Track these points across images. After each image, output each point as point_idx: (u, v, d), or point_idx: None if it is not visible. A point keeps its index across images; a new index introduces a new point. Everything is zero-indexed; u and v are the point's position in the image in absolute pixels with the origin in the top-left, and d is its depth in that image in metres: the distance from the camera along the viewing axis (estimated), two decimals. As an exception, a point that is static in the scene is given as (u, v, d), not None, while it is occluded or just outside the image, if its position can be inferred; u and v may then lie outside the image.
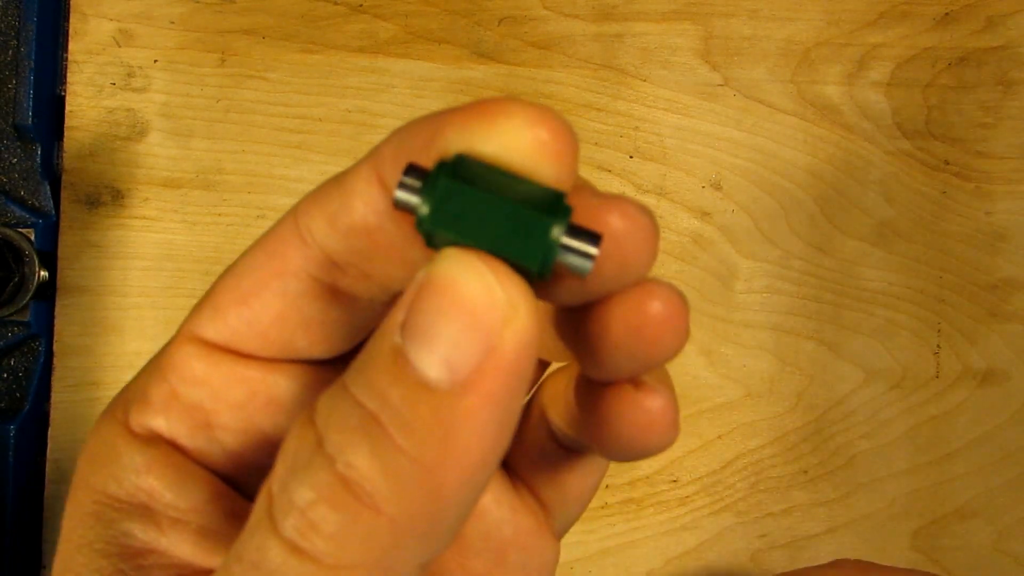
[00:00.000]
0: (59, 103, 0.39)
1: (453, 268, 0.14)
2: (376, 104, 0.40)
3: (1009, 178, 0.40)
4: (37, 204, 0.38)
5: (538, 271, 0.15)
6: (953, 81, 0.40)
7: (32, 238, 0.37)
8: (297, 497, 0.14)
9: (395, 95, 0.40)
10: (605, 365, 0.17)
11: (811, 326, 0.40)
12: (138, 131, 0.39)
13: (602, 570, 0.39)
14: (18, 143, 0.38)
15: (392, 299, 0.18)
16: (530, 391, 0.21)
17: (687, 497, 0.39)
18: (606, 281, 0.16)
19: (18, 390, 0.38)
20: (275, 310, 0.18)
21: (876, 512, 0.39)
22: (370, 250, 0.17)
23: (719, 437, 0.39)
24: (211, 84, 0.39)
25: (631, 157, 0.40)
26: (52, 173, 0.39)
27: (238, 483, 0.19)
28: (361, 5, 0.40)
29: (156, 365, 0.18)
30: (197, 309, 0.18)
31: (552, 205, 0.15)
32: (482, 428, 0.14)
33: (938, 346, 0.40)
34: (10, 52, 0.38)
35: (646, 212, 0.16)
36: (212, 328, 0.18)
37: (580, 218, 0.16)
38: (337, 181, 0.17)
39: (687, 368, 0.39)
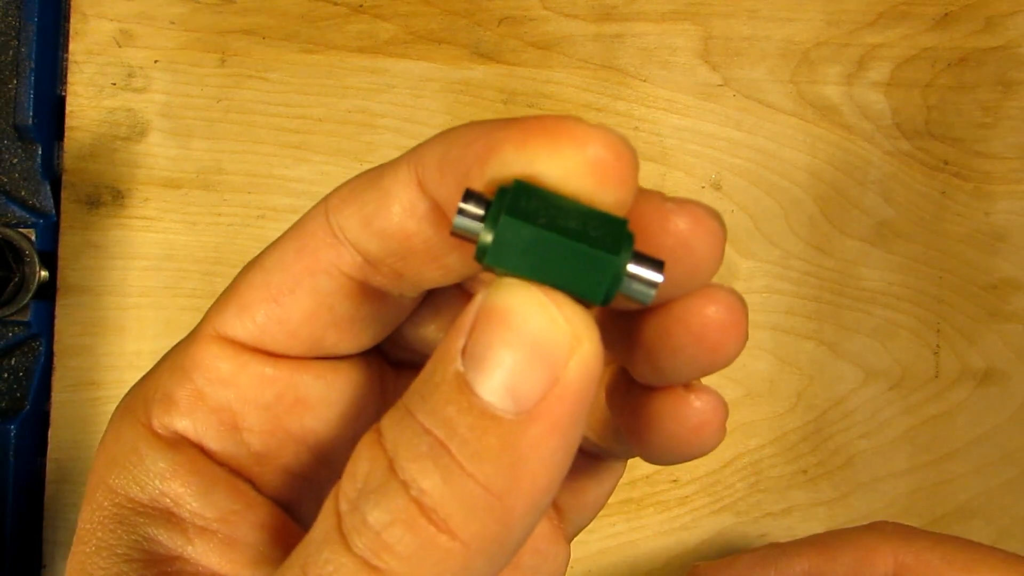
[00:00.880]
0: (59, 103, 0.39)
1: (516, 300, 0.14)
2: (376, 104, 0.40)
3: (1009, 178, 0.40)
4: (37, 204, 0.38)
5: (601, 303, 0.15)
6: (953, 81, 0.40)
7: (32, 238, 0.38)
8: (372, 518, 0.14)
9: (395, 95, 0.40)
10: (663, 369, 0.17)
11: (810, 326, 0.40)
12: (138, 131, 0.39)
13: (602, 570, 0.39)
14: (18, 143, 0.38)
15: (421, 296, 0.18)
16: None
17: (687, 497, 0.39)
18: (673, 288, 0.16)
19: (18, 390, 0.38)
20: (306, 308, 0.18)
21: (876, 512, 0.39)
22: (405, 252, 0.17)
23: (719, 437, 0.39)
24: (211, 84, 0.39)
25: (631, 157, 0.40)
26: (52, 173, 0.39)
27: (261, 484, 0.19)
28: (361, 5, 0.40)
29: (178, 364, 0.18)
30: (221, 305, 0.18)
31: (615, 235, 0.15)
32: (548, 456, 0.14)
33: (937, 346, 0.40)
34: (11, 52, 0.38)
35: (714, 215, 0.16)
36: (239, 326, 0.18)
37: (647, 223, 0.16)
38: (372, 180, 0.17)
39: (687, 368, 0.39)
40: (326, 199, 0.18)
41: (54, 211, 0.39)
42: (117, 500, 0.17)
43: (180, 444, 0.18)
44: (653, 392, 0.18)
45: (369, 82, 0.40)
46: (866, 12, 0.40)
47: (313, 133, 0.39)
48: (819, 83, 0.40)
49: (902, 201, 0.40)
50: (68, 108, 0.39)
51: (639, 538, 0.39)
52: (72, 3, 0.39)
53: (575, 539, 0.40)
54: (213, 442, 0.18)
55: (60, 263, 0.38)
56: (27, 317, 0.37)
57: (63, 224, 0.39)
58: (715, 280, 0.17)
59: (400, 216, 0.17)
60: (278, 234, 0.20)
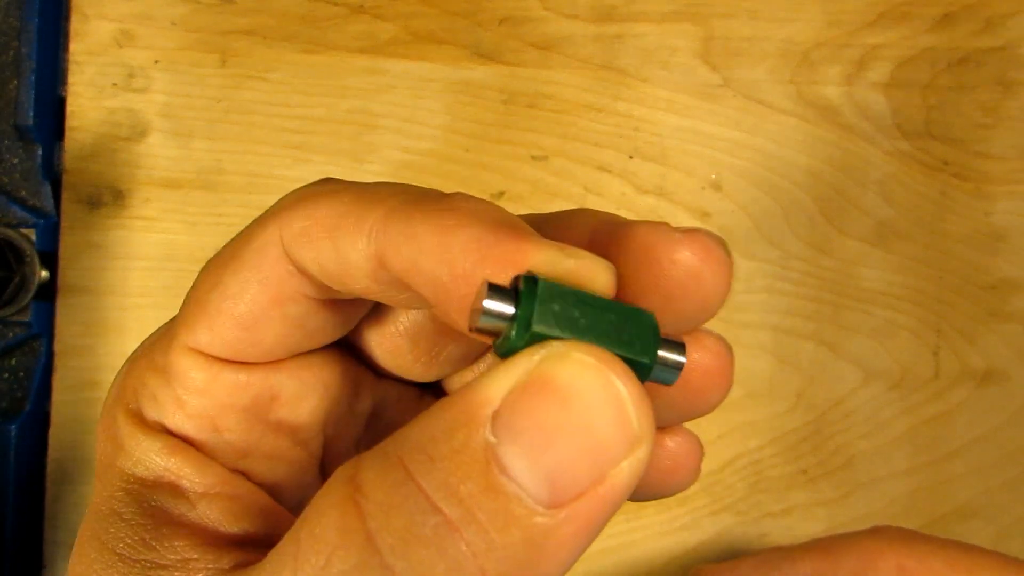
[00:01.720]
0: (60, 104, 0.39)
1: (584, 375, 0.12)
2: (376, 105, 0.40)
3: (1008, 178, 0.40)
4: (38, 204, 0.38)
5: (644, 376, 0.14)
6: (953, 82, 0.40)
7: (33, 238, 0.38)
8: None
9: (395, 95, 0.40)
10: None
11: (810, 326, 0.40)
12: (139, 131, 0.39)
13: (602, 570, 0.39)
14: (19, 143, 0.38)
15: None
16: None
17: (687, 497, 0.39)
18: (683, 324, 0.15)
19: (19, 390, 0.38)
20: (277, 332, 0.18)
21: (876, 512, 0.39)
22: (372, 297, 0.17)
23: (719, 437, 0.40)
24: (212, 85, 0.39)
25: (631, 158, 0.40)
26: (53, 173, 0.39)
27: (245, 474, 0.19)
28: (361, 6, 0.40)
29: (159, 366, 0.18)
30: (189, 319, 0.18)
31: (645, 330, 0.14)
32: (569, 556, 0.13)
33: (937, 346, 0.40)
34: (11, 53, 0.38)
35: (721, 244, 0.15)
36: (210, 343, 0.18)
37: (655, 255, 0.15)
38: (328, 234, 0.16)
39: (687, 368, 0.39)
40: (279, 220, 0.17)
41: (54, 211, 0.39)
42: (125, 478, 0.17)
43: (169, 432, 0.18)
44: None
45: (369, 82, 0.40)
46: (866, 12, 0.40)
47: (313, 133, 0.39)
48: (819, 83, 0.40)
49: (902, 201, 0.40)
50: (69, 108, 0.39)
51: (639, 538, 0.39)
52: (73, 3, 0.39)
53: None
54: (196, 437, 0.18)
55: (60, 263, 0.39)
56: (28, 317, 0.38)
57: (63, 224, 0.39)
58: None
59: (363, 282, 0.16)
60: None
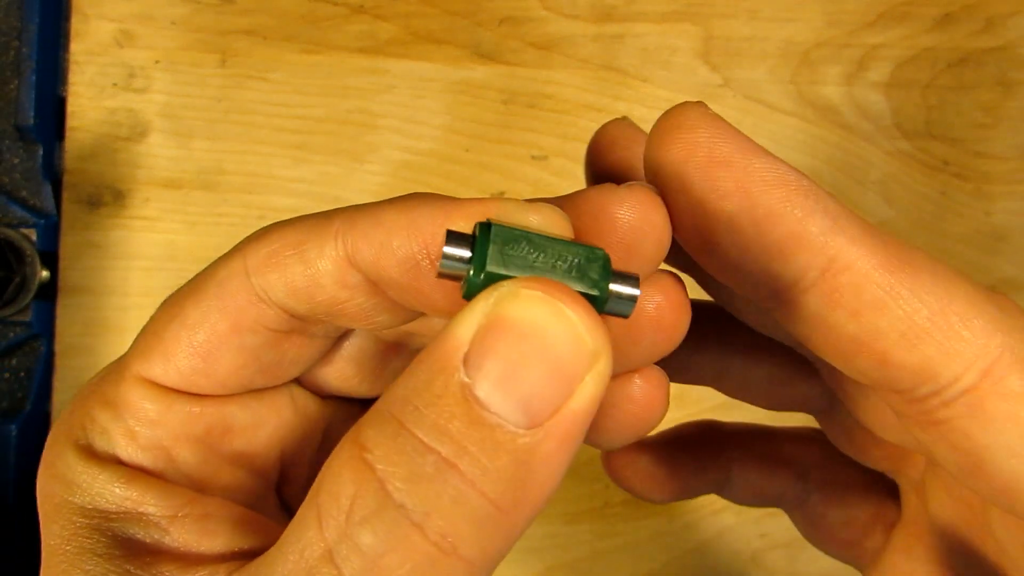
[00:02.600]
0: (60, 104, 0.39)
1: (536, 312, 0.14)
2: (377, 105, 0.40)
3: (1008, 178, 0.40)
4: (38, 204, 0.38)
5: (600, 308, 0.15)
6: (953, 81, 0.40)
7: (33, 238, 0.38)
8: (367, 548, 0.14)
9: (396, 95, 0.40)
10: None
11: (811, 326, 0.40)
12: (139, 131, 0.39)
13: (603, 570, 0.39)
14: (20, 144, 0.38)
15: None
16: None
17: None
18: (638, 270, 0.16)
19: (19, 390, 0.38)
20: (232, 363, 0.18)
21: (876, 512, 0.39)
22: (336, 313, 0.17)
23: (719, 437, 0.40)
24: (212, 85, 0.39)
25: (631, 157, 0.40)
26: (53, 173, 0.39)
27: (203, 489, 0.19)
28: (361, 6, 0.40)
29: (109, 400, 0.18)
30: (145, 349, 0.18)
31: (596, 262, 0.15)
32: (556, 469, 0.14)
33: (938, 346, 0.40)
34: (12, 53, 0.38)
35: (657, 203, 0.16)
36: (163, 373, 0.18)
37: (596, 214, 0.16)
38: (297, 250, 0.17)
39: (687, 368, 0.39)
40: (243, 253, 0.17)
41: (55, 211, 0.39)
42: (85, 513, 0.17)
43: (122, 464, 0.18)
44: None
45: (370, 82, 0.40)
46: (866, 12, 0.40)
47: (314, 133, 0.39)
48: (819, 83, 0.40)
49: (902, 201, 0.40)
50: (69, 108, 0.39)
51: (639, 538, 0.39)
52: (73, 3, 0.39)
53: (576, 539, 0.40)
54: (151, 467, 0.18)
55: (61, 263, 0.39)
56: (28, 317, 0.38)
57: (64, 224, 0.39)
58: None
59: (331, 290, 0.17)
60: None
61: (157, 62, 0.39)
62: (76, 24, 0.39)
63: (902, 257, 0.16)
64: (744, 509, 0.39)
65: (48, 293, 0.38)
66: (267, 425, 0.20)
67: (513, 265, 0.15)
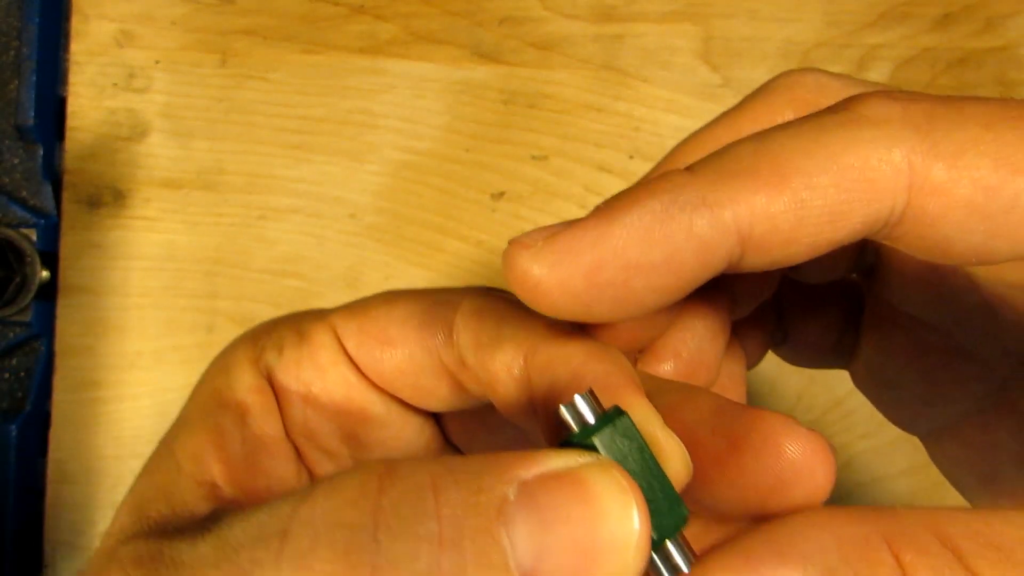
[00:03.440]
0: (60, 104, 0.39)
1: (606, 485, 0.13)
2: (377, 105, 0.40)
3: (1009, 178, 0.40)
4: (39, 205, 0.38)
5: (654, 548, 0.14)
6: (953, 81, 0.40)
7: (34, 238, 0.38)
8: (320, 554, 0.13)
9: (396, 95, 0.40)
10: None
11: (811, 326, 0.40)
12: (139, 132, 0.39)
13: (602, 570, 0.39)
14: (20, 144, 0.38)
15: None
16: None
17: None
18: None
19: (19, 390, 0.38)
20: (396, 367, 0.20)
21: (876, 512, 0.39)
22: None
23: (719, 437, 0.40)
24: (212, 85, 0.39)
25: (631, 158, 0.40)
26: (53, 174, 0.39)
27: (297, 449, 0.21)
28: (362, 6, 0.40)
29: (304, 331, 0.21)
30: (348, 314, 0.20)
31: (678, 508, 0.15)
32: None
33: (938, 346, 0.40)
34: (12, 53, 0.38)
35: (828, 446, 0.16)
36: (350, 338, 0.20)
37: (761, 443, 0.15)
38: (494, 343, 0.18)
39: (687, 368, 0.39)
40: (462, 314, 0.19)
41: (55, 211, 0.39)
42: (212, 394, 0.20)
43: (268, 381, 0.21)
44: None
45: (370, 82, 0.40)
46: (866, 12, 0.40)
47: (314, 133, 0.39)
48: (819, 83, 0.40)
49: (902, 201, 0.40)
50: (69, 108, 0.39)
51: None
52: (73, 3, 0.39)
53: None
54: (286, 394, 0.20)
55: (61, 263, 0.39)
56: (28, 317, 0.38)
57: (64, 224, 0.39)
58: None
59: (490, 388, 0.19)
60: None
61: (157, 62, 0.39)
62: (76, 24, 0.39)
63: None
64: (744, 509, 0.39)
65: (48, 293, 0.38)
66: (392, 429, 0.21)
67: (613, 455, 0.14)
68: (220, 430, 0.19)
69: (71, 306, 0.38)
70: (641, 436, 0.15)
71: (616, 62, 0.40)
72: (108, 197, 0.39)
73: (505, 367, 0.18)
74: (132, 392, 0.39)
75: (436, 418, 0.23)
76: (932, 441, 0.25)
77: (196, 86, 0.39)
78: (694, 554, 0.15)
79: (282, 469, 0.21)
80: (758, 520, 0.15)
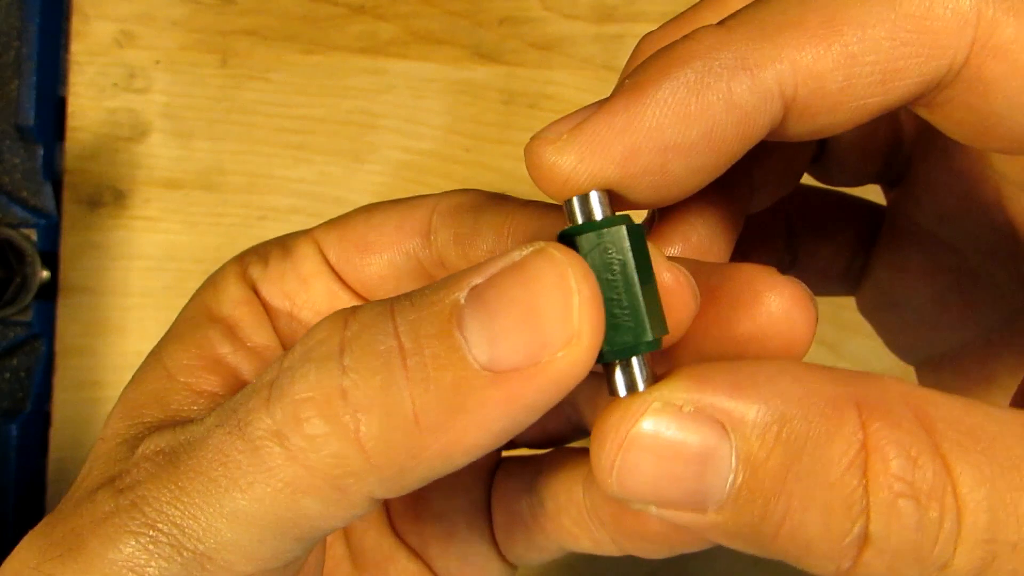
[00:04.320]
0: (61, 104, 0.39)
1: (550, 271, 0.14)
2: (377, 105, 0.40)
3: (1009, 178, 0.40)
4: (39, 205, 0.38)
5: (602, 355, 0.14)
6: (953, 82, 0.40)
7: (34, 239, 0.38)
8: (297, 388, 0.14)
9: (396, 96, 0.40)
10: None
11: (811, 326, 0.40)
12: (140, 132, 0.39)
13: (602, 569, 0.39)
14: (20, 144, 0.38)
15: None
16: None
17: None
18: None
19: (20, 390, 0.38)
20: (377, 272, 0.20)
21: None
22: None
23: (719, 437, 0.40)
24: (212, 85, 0.39)
25: (631, 158, 0.40)
26: (54, 174, 0.39)
27: None
28: (362, 6, 0.40)
29: (288, 245, 0.21)
30: (329, 226, 0.21)
31: (658, 323, 0.15)
32: (487, 422, 0.14)
33: (938, 346, 0.40)
34: (12, 53, 0.38)
35: (809, 297, 0.16)
36: (332, 249, 0.21)
37: (743, 297, 0.15)
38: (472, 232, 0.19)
39: (687, 368, 0.39)
40: (436, 207, 0.20)
41: (55, 211, 0.39)
42: (201, 309, 0.20)
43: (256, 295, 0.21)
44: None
45: (370, 83, 0.40)
46: None
47: (314, 134, 0.40)
48: (819, 83, 0.40)
49: (902, 201, 0.40)
50: (69, 109, 0.39)
51: (640, 538, 0.39)
52: (73, 4, 0.39)
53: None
54: (274, 306, 0.21)
55: (61, 263, 0.39)
56: (28, 317, 0.38)
57: (64, 224, 0.39)
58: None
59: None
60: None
61: (157, 62, 0.39)
62: (76, 24, 0.39)
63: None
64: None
65: (48, 293, 0.38)
66: None
67: (592, 257, 0.14)
68: (210, 342, 0.19)
69: (71, 306, 0.39)
70: (631, 252, 0.14)
71: (616, 62, 0.40)
72: (108, 197, 0.39)
73: (487, 254, 0.18)
74: (132, 392, 0.39)
75: None
76: (928, 371, 0.24)
77: (196, 86, 0.39)
78: (654, 376, 0.15)
79: None
80: None
